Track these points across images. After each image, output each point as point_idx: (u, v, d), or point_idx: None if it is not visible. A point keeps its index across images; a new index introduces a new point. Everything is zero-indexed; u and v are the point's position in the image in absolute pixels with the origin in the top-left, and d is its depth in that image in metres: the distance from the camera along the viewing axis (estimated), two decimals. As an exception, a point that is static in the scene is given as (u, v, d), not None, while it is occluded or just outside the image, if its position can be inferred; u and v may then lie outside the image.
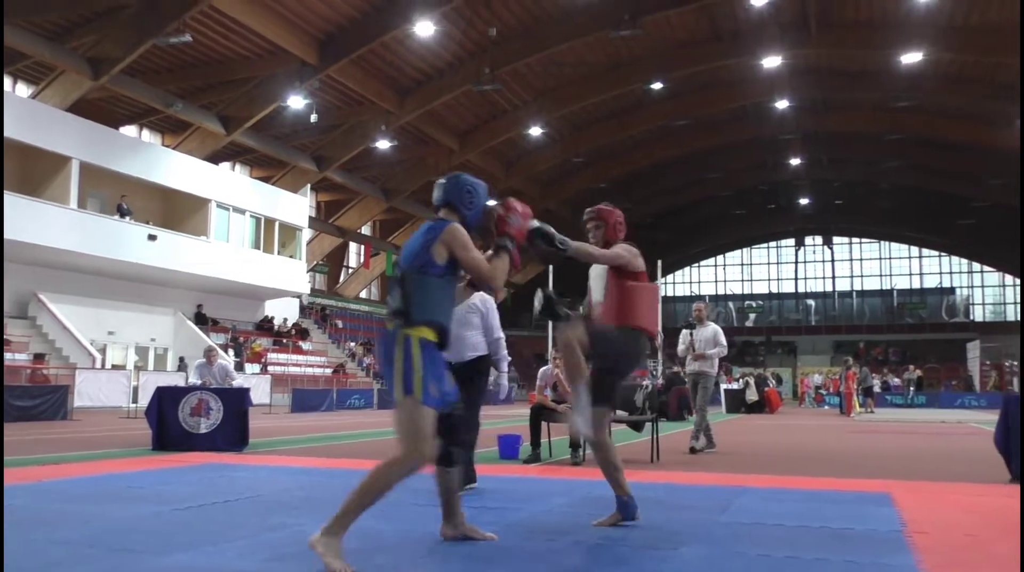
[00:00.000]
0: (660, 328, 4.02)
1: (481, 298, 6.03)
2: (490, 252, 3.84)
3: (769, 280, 54.56)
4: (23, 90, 24.67)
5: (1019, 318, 42.86)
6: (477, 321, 5.99)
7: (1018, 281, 48.71)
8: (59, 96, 23.46)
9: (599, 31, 26.25)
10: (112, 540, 3.94)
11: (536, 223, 3.91)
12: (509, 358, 6.39)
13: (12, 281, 22.33)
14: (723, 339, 9.74)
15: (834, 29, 27.70)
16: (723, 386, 28.18)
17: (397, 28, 24.39)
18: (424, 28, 24.24)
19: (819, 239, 52.91)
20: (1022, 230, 30.21)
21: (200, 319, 27.68)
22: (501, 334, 6.16)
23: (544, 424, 8.72)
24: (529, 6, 25.75)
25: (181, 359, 24.67)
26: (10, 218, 20.03)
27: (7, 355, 19.99)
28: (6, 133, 20.72)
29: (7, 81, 24.44)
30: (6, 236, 20.02)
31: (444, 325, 3.64)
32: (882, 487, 6.30)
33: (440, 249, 3.64)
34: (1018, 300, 49.10)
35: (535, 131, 33.44)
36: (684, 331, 9.98)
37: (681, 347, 9.91)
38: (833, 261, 53.23)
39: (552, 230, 4.09)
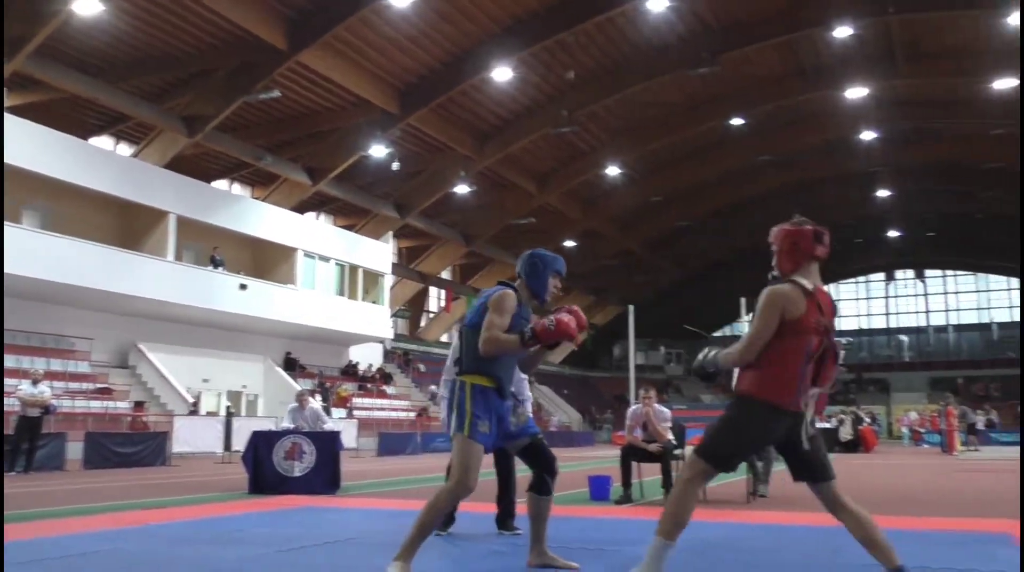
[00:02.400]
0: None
1: None
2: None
3: (859, 315, 52.98)
4: (124, 149, 25.94)
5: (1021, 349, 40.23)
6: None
7: None
8: (157, 154, 24.60)
9: (677, 70, 26.23)
10: (220, 580, 3.98)
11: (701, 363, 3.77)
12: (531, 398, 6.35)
13: (114, 332, 23.25)
14: None
15: (921, 59, 27.08)
16: (817, 424, 27.29)
17: (476, 76, 24.85)
18: (502, 74, 24.63)
19: (911, 273, 51.22)
20: (1022, 241, 28.60)
21: (288, 365, 28.28)
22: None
23: (635, 464, 8.56)
24: (606, 48, 25.93)
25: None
26: (112, 271, 20.96)
27: (109, 404, 20.78)
28: (109, 190, 21.87)
29: (109, 141, 25.74)
30: (108, 289, 20.94)
31: (496, 375, 4.02)
32: (1000, 527, 5.97)
33: (489, 309, 4.02)
34: None
35: (613, 171, 33.44)
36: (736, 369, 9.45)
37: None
38: (926, 294, 51.40)
39: (702, 362, 3.77)
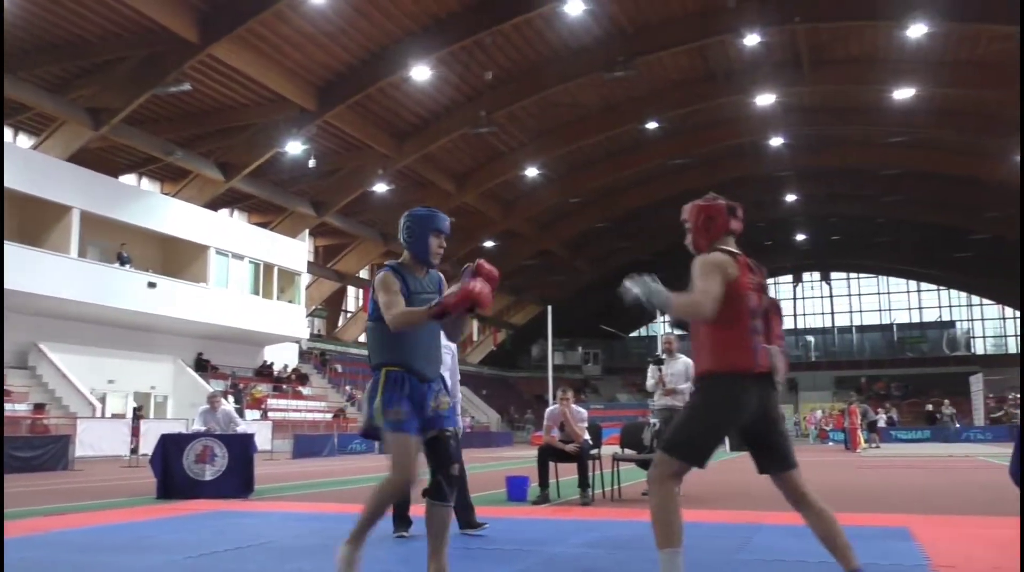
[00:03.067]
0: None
1: None
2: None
3: (768, 316, 54.44)
4: (24, 141, 24.84)
5: (1020, 350, 42.62)
6: (449, 361, 5.63)
7: (1018, 313, 48.78)
8: (60, 147, 23.63)
9: (593, 73, 26.58)
10: (126, 590, 3.86)
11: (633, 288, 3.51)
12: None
13: (12, 331, 22.22)
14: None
15: (826, 67, 28.07)
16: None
17: (394, 74, 24.68)
18: (421, 73, 24.52)
19: (817, 275, 53.03)
20: (1022, 260, 30.25)
21: (200, 366, 27.57)
22: (458, 377, 5.98)
23: (552, 464, 8.64)
24: (524, 50, 26.08)
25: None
26: (10, 268, 20.04)
27: (8, 406, 19.86)
28: (8, 183, 20.87)
29: (8, 132, 24.64)
30: (7, 286, 20.01)
31: (409, 361, 3.78)
32: (899, 521, 6.23)
33: (376, 296, 3.79)
34: (1018, 332, 49.15)
35: (532, 172, 33.67)
36: (652, 366, 9.53)
37: (650, 382, 9.27)
38: (832, 296, 53.29)
39: (646, 293, 3.46)
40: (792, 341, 53.74)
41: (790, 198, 41.33)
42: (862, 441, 23.59)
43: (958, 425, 33.34)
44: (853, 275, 52.88)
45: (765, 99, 29.15)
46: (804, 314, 53.87)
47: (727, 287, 3.38)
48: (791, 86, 28.97)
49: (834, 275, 52.97)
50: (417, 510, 5.66)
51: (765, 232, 47.79)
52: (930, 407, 37.31)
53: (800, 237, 47.48)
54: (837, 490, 9.77)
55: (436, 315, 3.61)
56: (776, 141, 33.84)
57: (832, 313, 53.31)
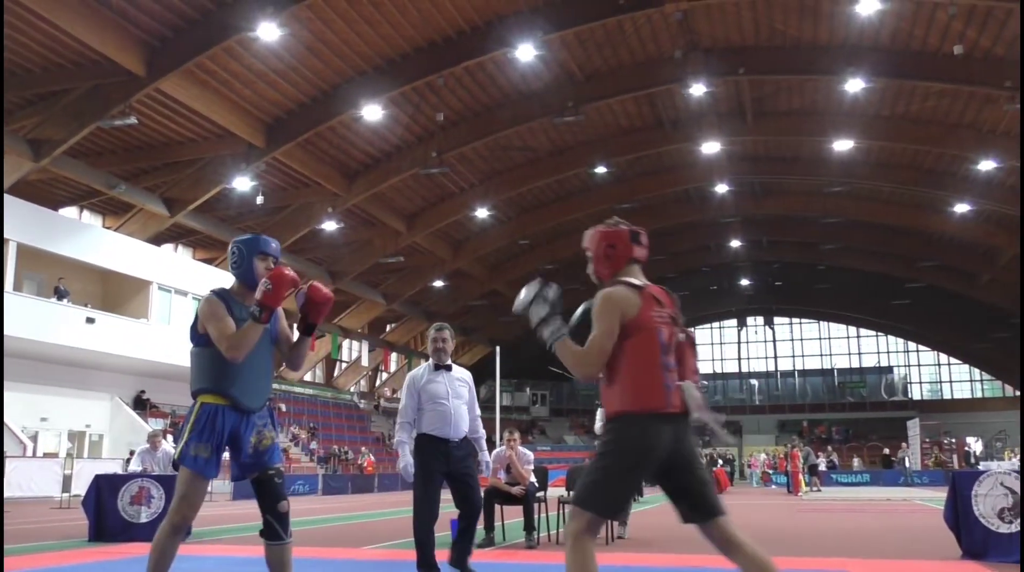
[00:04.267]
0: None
1: (464, 372, 5.83)
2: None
3: (713, 360, 55.17)
4: (-39, 171, 24.20)
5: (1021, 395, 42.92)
6: (467, 395, 5.70)
7: (953, 360, 50.14)
8: (-2, 177, 23.07)
9: (543, 117, 26.95)
10: (53, 637, 3.72)
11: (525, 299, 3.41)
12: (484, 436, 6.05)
13: (-60, 366, 21.46)
14: None
15: (769, 117, 28.88)
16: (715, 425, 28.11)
17: (345, 113, 24.70)
18: (372, 112, 24.59)
19: (760, 319, 53.91)
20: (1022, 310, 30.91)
21: (139, 404, 26.86)
22: (478, 412, 5.90)
23: (498, 507, 8.58)
24: (475, 92, 26.36)
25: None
26: (-59, 301, 19.39)
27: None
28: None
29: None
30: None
31: (228, 390, 3.67)
32: (839, 565, 6.30)
33: (200, 323, 3.72)
34: (954, 379, 50.47)
35: (482, 213, 33.83)
36: (600, 409, 9.59)
37: (598, 425, 9.26)
38: (775, 341, 54.17)
39: (536, 309, 3.37)
40: (736, 385, 54.46)
41: (735, 244, 42.13)
42: (804, 484, 23.87)
43: (911, 468, 33.91)
44: (796, 320, 53.88)
45: (710, 147, 29.82)
46: (748, 358, 54.61)
47: (631, 324, 3.17)
48: (735, 135, 29.71)
49: (777, 320, 53.89)
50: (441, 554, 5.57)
51: (711, 277, 48.60)
52: (887, 451, 37.99)
53: (744, 282, 48.34)
54: (778, 534, 9.86)
55: (262, 318, 3.57)
56: (721, 188, 34.56)
57: (776, 357, 54.13)
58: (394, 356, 46.20)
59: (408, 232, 33.79)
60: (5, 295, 21.67)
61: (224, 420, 3.65)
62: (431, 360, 5.71)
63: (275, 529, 3.68)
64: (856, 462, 39.56)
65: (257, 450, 3.72)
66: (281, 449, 3.90)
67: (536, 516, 8.34)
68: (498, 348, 26.67)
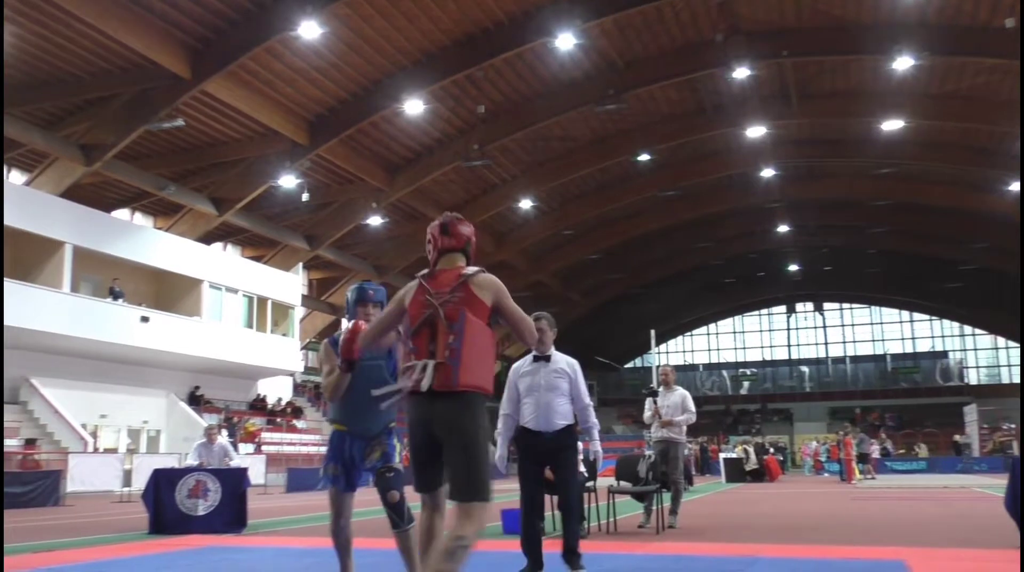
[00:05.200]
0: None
1: (568, 361, 5.67)
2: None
3: (762, 347, 54.64)
4: (17, 177, 24.88)
5: (1021, 380, 42.57)
6: (565, 386, 5.57)
7: (1011, 343, 48.92)
8: (52, 183, 23.69)
9: (584, 106, 26.82)
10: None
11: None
12: (599, 425, 5.90)
13: (4, 366, 22.14)
14: (692, 405, 9.28)
15: (814, 99, 28.39)
16: (722, 455, 27.96)
17: (387, 108, 24.86)
18: (413, 107, 24.70)
19: (810, 305, 53.20)
20: (1022, 285, 30.28)
21: (193, 400, 27.42)
22: (590, 401, 5.72)
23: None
24: (515, 83, 26.33)
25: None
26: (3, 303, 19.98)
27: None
28: None
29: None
30: (-2, 321, 19.95)
31: (342, 419, 4.47)
32: (895, 554, 6.21)
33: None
34: (1012, 362, 49.25)
35: (525, 205, 33.83)
36: (648, 398, 9.55)
37: (647, 414, 9.38)
38: (825, 327, 53.40)
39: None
40: (786, 372, 53.87)
41: (782, 229, 41.56)
42: (857, 472, 23.51)
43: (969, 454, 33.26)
44: (846, 306, 53.05)
45: (755, 131, 29.42)
46: (798, 345, 53.92)
47: (406, 312, 3.52)
48: (780, 118, 29.27)
49: (827, 306, 53.12)
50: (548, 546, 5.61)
51: (758, 263, 48.02)
52: (958, 438, 37.41)
53: (793, 268, 47.70)
54: (832, 522, 9.74)
55: (342, 368, 4.12)
56: (766, 172, 34.10)
57: (826, 343, 53.38)
58: (441, 349, 46.38)
59: (451, 225, 33.89)
60: (63, 296, 22.27)
61: (345, 443, 4.42)
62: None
63: (392, 518, 4.24)
64: (922, 448, 38.72)
65: (371, 461, 4.41)
66: (394, 452, 4.50)
67: (586, 506, 8.34)
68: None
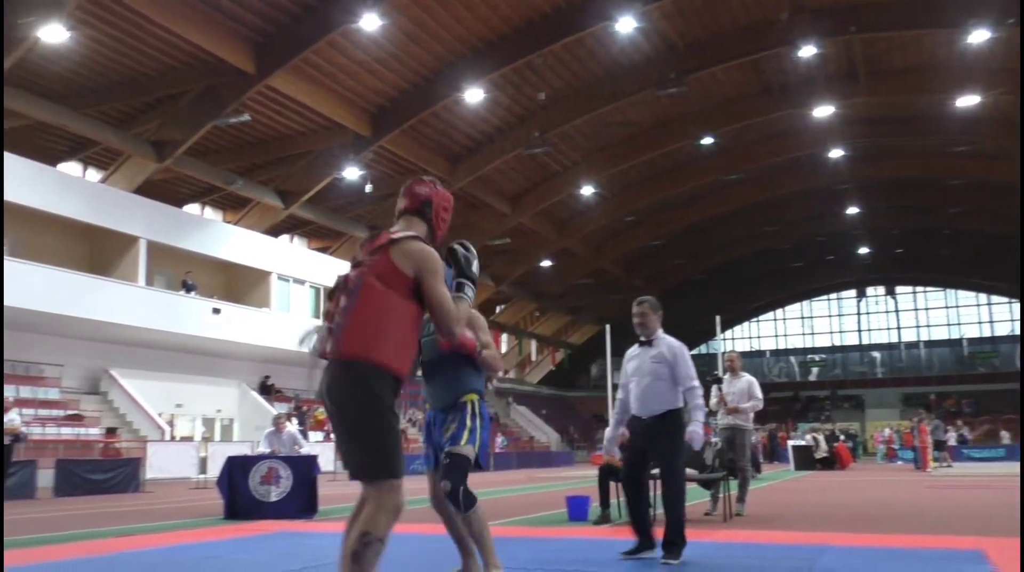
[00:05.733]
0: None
1: (668, 345, 5.55)
2: None
3: (832, 332, 53.52)
4: (93, 175, 25.72)
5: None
6: (665, 371, 5.46)
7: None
8: (126, 180, 24.43)
9: (645, 90, 26.52)
10: (195, 609, 3.95)
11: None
12: (706, 408, 5.75)
13: (84, 358, 22.99)
14: (759, 392, 9.13)
15: (884, 76, 27.58)
16: (791, 443, 27.49)
17: (447, 97, 24.97)
18: (473, 95, 24.76)
19: (881, 289, 51.88)
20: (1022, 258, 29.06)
21: (264, 389, 28.05)
22: (696, 383, 5.56)
23: (613, 484, 8.57)
24: (576, 69, 26.17)
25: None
26: (81, 297, 20.73)
27: (80, 430, 20.49)
28: (78, 216, 21.66)
29: (77, 167, 25.55)
30: (78, 314, 20.69)
31: (424, 395, 4.43)
32: (972, 544, 6.03)
33: None
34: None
35: (586, 191, 33.66)
36: (713, 386, 9.43)
37: (712, 401, 9.20)
38: (897, 311, 52.05)
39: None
40: (857, 357, 52.67)
41: (851, 211, 40.55)
42: (932, 460, 22.88)
43: None
44: (919, 289, 51.59)
45: (822, 111, 28.72)
46: (869, 329, 52.67)
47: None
48: (848, 97, 28.51)
49: (900, 289, 51.75)
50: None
51: (826, 247, 46.99)
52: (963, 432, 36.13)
53: (863, 251, 46.53)
54: (908, 510, 9.50)
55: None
56: (835, 153, 33.28)
57: (899, 328, 52.02)
58: (504, 337, 46.63)
59: (513, 213, 33.97)
60: (139, 290, 22.96)
61: (430, 420, 4.33)
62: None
63: (453, 505, 4.12)
64: (1005, 435, 37.44)
65: (444, 439, 4.21)
66: (462, 431, 4.23)
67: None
68: (608, 326, 26.46)
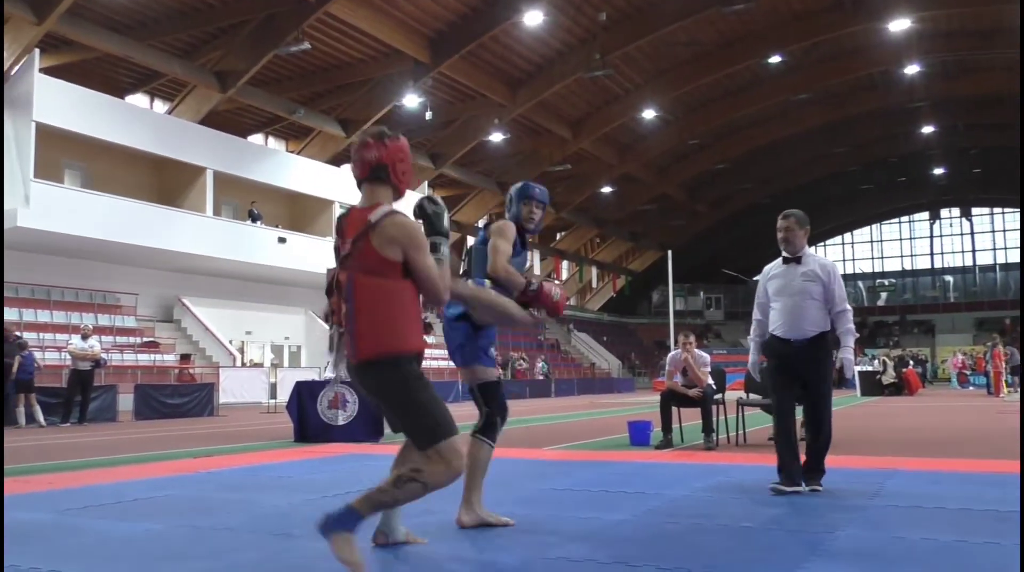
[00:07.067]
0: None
1: (821, 263, 5.14)
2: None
3: (902, 256, 52.20)
4: (160, 106, 26.10)
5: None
6: (818, 290, 5.04)
7: None
8: (192, 111, 24.72)
9: (710, 8, 25.62)
10: (272, 525, 4.12)
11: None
12: (856, 334, 5.21)
13: (157, 286, 23.71)
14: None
15: (965, -14, 26.14)
16: (857, 368, 27.12)
17: (507, 20, 24.50)
18: (533, 18, 24.25)
19: (956, 211, 50.20)
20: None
21: (329, 318, 28.62)
22: (847, 306, 5.14)
23: (675, 409, 8.60)
24: (638, -12, 25.40)
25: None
26: (152, 227, 21.25)
27: (157, 357, 21.26)
28: (147, 147, 22.05)
29: (145, 99, 25.94)
30: (149, 244, 21.25)
31: None
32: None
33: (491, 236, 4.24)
34: None
35: (648, 115, 32.99)
36: None
37: None
38: (972, 233, 50.39)
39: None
40: (928, 281, 51.42)
41: (926, 130, 39.02)
42: (1005, 386, 22.37)
43: None
44: (996, 210, 49.74)
45: (897, 25, 27.40)
46: (942, 253, 51.20)
47: None
48: (925, 9, 27.12)
49: (975, 211, 49.97)
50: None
51: (899, 168, 45.48)
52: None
53: (937, 171, 44.89)
54: (978, 435, 9.35)
55: (527, 292, 3.92)
56: (910, 70, 31.86)
57: (973, 251, 50.43)
58: (565, 264, 46.60)
59: (574, 139, 33.54)
60: (207, 220, 23.42)
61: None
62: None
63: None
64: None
65: None
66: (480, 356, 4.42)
67: (714, 418, 8.30)
68: (669, 252, 26.25)
